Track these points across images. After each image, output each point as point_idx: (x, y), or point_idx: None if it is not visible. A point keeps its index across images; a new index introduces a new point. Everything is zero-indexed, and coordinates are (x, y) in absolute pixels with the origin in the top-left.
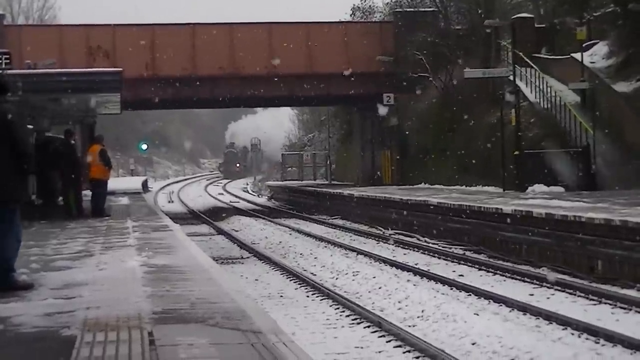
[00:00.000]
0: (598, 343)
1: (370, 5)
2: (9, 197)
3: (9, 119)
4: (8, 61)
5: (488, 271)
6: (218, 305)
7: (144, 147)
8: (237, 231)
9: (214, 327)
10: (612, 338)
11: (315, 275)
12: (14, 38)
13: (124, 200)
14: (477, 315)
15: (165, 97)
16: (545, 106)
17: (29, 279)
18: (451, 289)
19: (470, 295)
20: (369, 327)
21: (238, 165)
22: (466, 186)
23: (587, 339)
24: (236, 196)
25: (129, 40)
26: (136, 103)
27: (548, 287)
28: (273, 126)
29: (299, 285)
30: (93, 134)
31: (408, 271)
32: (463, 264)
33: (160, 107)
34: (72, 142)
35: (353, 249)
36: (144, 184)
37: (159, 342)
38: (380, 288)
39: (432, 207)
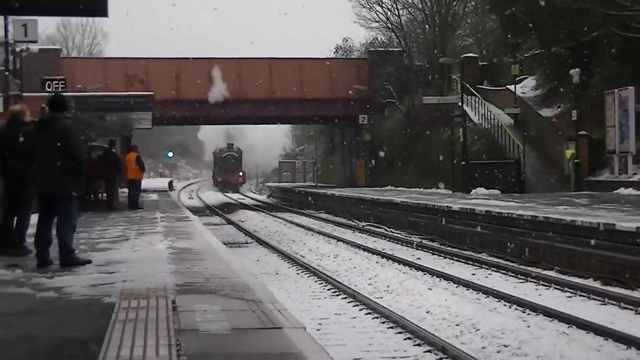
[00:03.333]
0: (524, 312)
1: (349, 45)
2: (67, 192)
3: (68, 131)
4: (64, 85)
5: (439, 255)
6: (227, 280)
7: (170, 154)
8: (242, 222)
9: (224, 297)
10: (536, 309)
11: (304, 257)
12: (68, 68)
13: (154, 197)
14: (431, 290)
15: (187, 116)
16: (486, 126)
17: (88, 257)
18: (411, 269)
19: (425, 274)
20: (345, 298)
21: (241, 174)
22: (424, 188)
23: (516, 309)
24: (242, 194)
25: (159, 71)
26: (164, 119)
27: (486, 269)
28: (267, 138)
29: (291, 265)
30: (130, 143)
31: (377, 255)
32: (420, 250)
33: (183, 123)
34: (114, 150)
35: (334, 237)
36: (170, 184)
37: (180, 308)
38: (355, 268)
39: (396, 204)
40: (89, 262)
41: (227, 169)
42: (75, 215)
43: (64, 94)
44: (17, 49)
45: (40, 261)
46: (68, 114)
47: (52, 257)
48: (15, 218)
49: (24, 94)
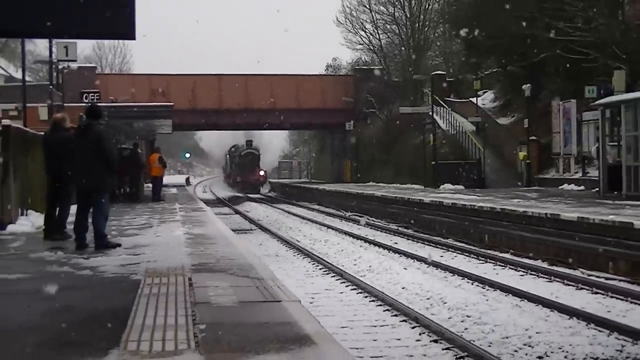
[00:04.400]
0: (484, 288)
1: (338, 64)
2: (101, 186)
3: (102, 135)
4: (98, 97)
5: (413, 241)
6: (234, 261)
7: (187, 155)
8: (247, 212)
9: (232, 275)
10: (494, 285)
11: (299, 242)
12: (102, 82)
13: (174, 191)
14: (406, 269)
15: (201, 123)
16: (452, 132)
17: (118, 241)
18: (389, 252)
19: (401, 256)
20: (334, 276)
21: (262, 172)
22: (400, 184)
23: (477, 285)
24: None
25: (178, 85)
26: (182, 126)
27: (452, 251)
28: (268, 142)
29: (289, 248)
30: (154, 145)
31: (361, 240)
32: (397, 236)
33: (198, 129)
34: (139, 151)
35: (325, 225)
36: (187, 180)
37: (195, 284)
38: (342, 251)
39: (377, 197)
40: (119, 245)
41: (247, 167)
42: (107, 206)
43: (99, 104)
44: (60, 67)
45: (78, 244)
46: (102, 121)
47: (88, 241)
48: (57, 209)
49: (65, 104)
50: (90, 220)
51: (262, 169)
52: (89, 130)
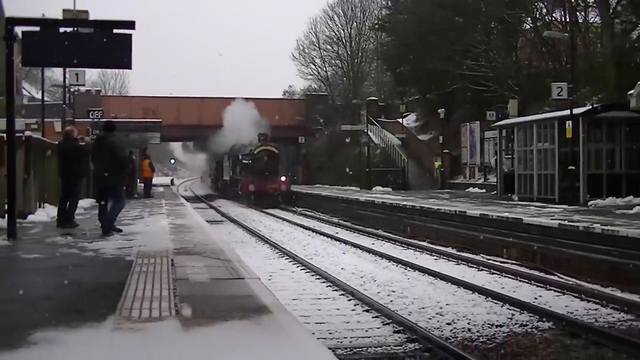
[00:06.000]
0: (406, 269)
1: (293, 90)
2: (114, 184)
3: (115, 144)
4: (102, 114)
5: (350, 231)
6: (208, 246)
7: (172, 161)
8: (220, 207)
9: (206, 257)
10: (414, 267)
11: (260, 231)
12: (105, 102)
13: (161, 189)
14: (345, 254)
15: (184, 135)
16: (383, 146)
17: (120, 228)
18: (331, 240)
19: (341, 243)
20: (287, 259)
21: (283, 178)
22: (341, 186)
23: (401, 267)
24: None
25: (166, 105)
26: (168, 137)
27: (382, 240)
28: None
29: (252, 236)
30: (145, 153)
31: (309, 230)
32: (338, 227)
33: (182, 140)
34: (134, 157)
35: (281, 218)
36: (172, 181)
37: (176, 264)
38: (294, 239)
39: (323, 196)
40: (121, 231)
41: (263, 171)
42: (124, 200)
43: (109, 120)
44: (71, 90)
45: (103, 230)
46: (115, 133)
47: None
48: (68, 203)
49: (75, 119)
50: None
51: (284, 174)
52: (105, 140)
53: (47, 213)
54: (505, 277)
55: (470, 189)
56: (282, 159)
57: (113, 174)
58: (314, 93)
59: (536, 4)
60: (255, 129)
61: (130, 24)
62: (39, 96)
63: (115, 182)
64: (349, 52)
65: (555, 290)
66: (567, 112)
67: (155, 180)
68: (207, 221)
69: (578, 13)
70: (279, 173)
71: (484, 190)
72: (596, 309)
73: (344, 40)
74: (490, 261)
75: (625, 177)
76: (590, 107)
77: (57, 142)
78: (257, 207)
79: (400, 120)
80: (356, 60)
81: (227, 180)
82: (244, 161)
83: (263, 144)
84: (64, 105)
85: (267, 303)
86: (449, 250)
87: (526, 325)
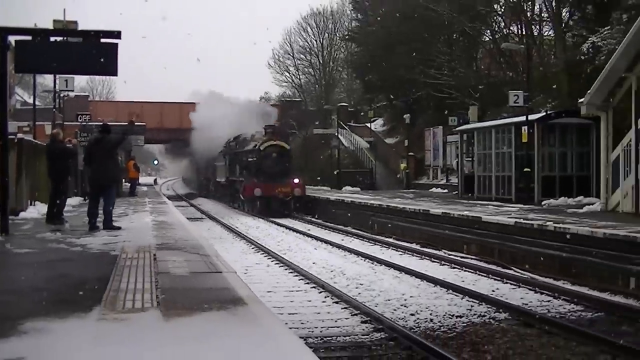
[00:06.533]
0: (373, 264)
1: (269, 96)
2: (111, 181)
3: (113, 144)
4: (90, 118)
5: (322, 227)
6: (188, 242)
7: (155, 162)
8: (199, 205)
9: (186, 252)
10: (380, 261)
11: (237, 227)
12: (93, 107)
13: (145, 188)
14: (316, 249)
15: (166, 138)
16: (352, 149)
17: (120, 225)
18: (303, 236)
19: (313, 239)
20: (263, 254)
21: (297, 181)
22: (314, 186)
23: (368, 261)
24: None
25: (150, 109)
26: (152, 140)
27: (350, 236)
28: None
29: (230, 232)
30: (130, 154)
31: (283, 227)
32: (310, 225)
33: (164, 142)
34: (120, 158)
35: (257, 215)
36: (155, 181)
37: (158, 259)
38: (269, 235)
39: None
40: (120, 228)
41: (273, 172)
42: (114, 197)
43: (105, 123)
44: (61, 95)
45: (91, 227)
46: (110, 135)
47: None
48: (57, 201)
49: (65, 123)
50: (101, 209)
51: (297, 176)
52: (102, 141)
53: (37, 210)
54: (465, 271)
55: (434, 189)
56: (294, 157)
57: (111, 171)
58: (288, 99)
59: (495, 18)
60: (259, 121)
61: (116, 34)
62: (31, 101)
63: (112, 179)
64: (321, 61)
65: (511, 284)
66: (523, 118)
67: (139, 180)
68: (187, 218)
69: (533, 27)
70: (291, 174)
71: (446, 191)
72: (549, 301)
73: (316, 50)
74: (452, 256)
75: (576, 179)
76: (544, 113)
77: (45, 144)
78: (262, 216)
79: (368, 124)
80: (328, 69)
81: (223, 182)
82: (246, 159)
83: (271, 138)
84: (54, 110)
85: (242, 295)
86: (413, 246)
87: (484, 315)
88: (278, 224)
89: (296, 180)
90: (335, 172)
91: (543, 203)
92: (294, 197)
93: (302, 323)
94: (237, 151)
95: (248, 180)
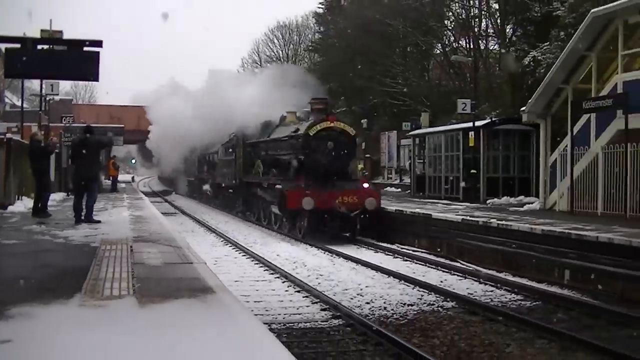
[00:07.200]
0: (332, 256)
1: None
2: (95, 177)
3: (96, 143)
4: (73, 120)
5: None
6: (162, 235)
7: (133, 161)
8: (173, 201)
9: (160, 244)
10: (339, 254)
11: (208, 222)
12: (76, 110)
13: (123, 185)
14: (280, 243)
15: (144, 138)
16: None
17: (100, 219)
18: (270, 231)
19: (277, 234)
20: (231, 247)
21: (366, 185)
22: None
23: (327, 254)
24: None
25: (129, 113)
26: (130, 140)
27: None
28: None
29: (201, 226)
30: (110, 154)
31: (252, 222)
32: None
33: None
34: (101, 157)
35: (228, 213)
36: (133, 178)
37: (135, 250)
38: (238, 230)
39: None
40: (100, 222)
41: (334, 171)
42: (96, 192)
43: (88, 125)
44: (47, 98)
45: (76, 220)
46: (93, 135)
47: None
48: (42, 197)
49: (50, 124)
50: (84, 203)
51: (365, 180)
52: (86, 141)
53: (24, 205)
54: (416, 263)
55: (388, 188)
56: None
57: (94, 168)
58: None
59: (445, 32)
60: (295, 93)
61: (98, 43)
62: (19, 103)
63: (95, 176)
64: None
65: (458, 275)
66: (470, 124)
67: (119, 178)
68: (162, 213)
69: (480, 41)
70: (360, 179)
71: (399, 190)
72: (492, 291)
73: (282, 60)
74: (404, 250)
75: (517, 180)
76: (490, 120)
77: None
78: (316, 243)
79: None
80: None
81: (230, 186)
82: (281, 153)
83: (324, 119)
84: (40, 112)
85: (211, 284)
86: (370, 240)
87: (433, 304)
88: (249, 221)
89: (366, 185)
90: None
91: (488, 202)
92: (364, 210)
93: (267, 310)
94: (261, 141)
95: (287, 184)
